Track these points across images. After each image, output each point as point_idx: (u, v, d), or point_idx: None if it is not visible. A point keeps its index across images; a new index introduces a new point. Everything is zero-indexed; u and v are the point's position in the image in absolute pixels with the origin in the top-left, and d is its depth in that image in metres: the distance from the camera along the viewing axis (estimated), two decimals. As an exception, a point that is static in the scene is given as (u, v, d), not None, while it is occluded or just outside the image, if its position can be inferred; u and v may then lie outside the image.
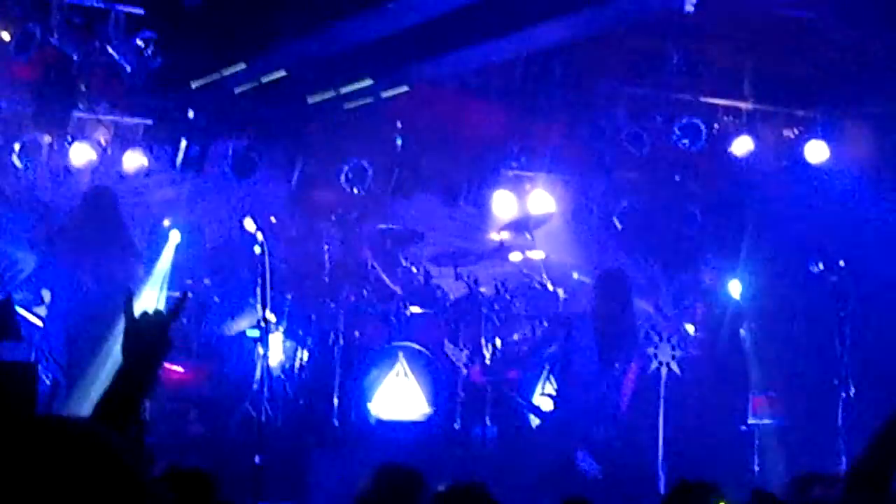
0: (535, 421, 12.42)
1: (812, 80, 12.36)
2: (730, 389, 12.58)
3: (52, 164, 11.99)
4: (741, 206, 13.75)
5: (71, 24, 10.77)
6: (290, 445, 11.29)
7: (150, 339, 3.48)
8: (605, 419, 12.11)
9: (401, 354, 11.99)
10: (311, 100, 12.37)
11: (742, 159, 13.13)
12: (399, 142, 13.17)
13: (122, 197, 12.30)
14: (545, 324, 12.77)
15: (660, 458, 11.27)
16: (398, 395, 11.95)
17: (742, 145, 13.04)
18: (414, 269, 12.93)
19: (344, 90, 12.14)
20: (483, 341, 12.35)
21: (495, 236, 13.43)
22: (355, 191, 13.26)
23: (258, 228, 10.60)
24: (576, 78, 12.72)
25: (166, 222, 12.60)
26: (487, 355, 12.33)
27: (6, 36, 10.78)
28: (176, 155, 12.54)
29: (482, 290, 12.60)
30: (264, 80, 11.76)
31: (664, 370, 11.59)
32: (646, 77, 12.65)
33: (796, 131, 13.19)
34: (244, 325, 11.99)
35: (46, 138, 11.84)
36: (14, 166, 11.79)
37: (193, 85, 11.91)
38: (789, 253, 12.97)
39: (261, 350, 10.92)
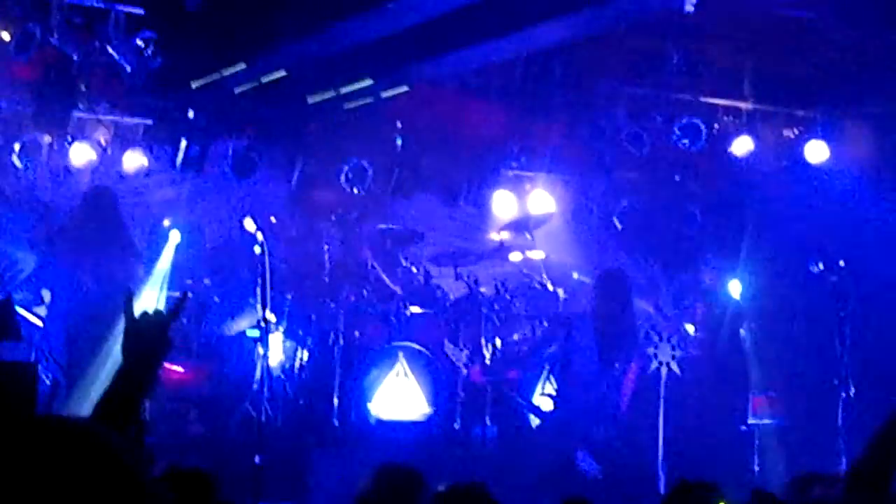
0: (535, 421, 12.41)
1: (812, 80, 12.36)
2: (730, 389, 12.58)
3: (52, 164, 11.98)
4: (741, 207, 13.75)
5: (71, 24, 10.77)
6: (290, 445, 11.28)
7: (150, 339, 3.48)
8: (605, 419, 12.10)
9: (401, 354, 11.99)
10: (310, 100, 12.36)
11: (742, 159, 13.13)
12: (399, 142, 13.17)
13: (123, 197, 12.29)
14: (545, 324, 12.77)
15: (660, 458, 11.27)
16: (398, 395, 11.95)
17: (742, 145, 13.04)
18: (414, 269, 12.93)
19: (344, 90, 12.13)
20: (483, 341, 12.35)
21: (495, 236, 13.42)
22: (355, 191, 13.26)
23: (258, 228, 10.59)
24: (576, 78, 12.72)
25: (166, 222, 12.59)
26: (487, 355, 12.33)
27: (6, 36, 10.78)
28: (176, 155, 12.53)
29: (482, 290, 12.60)
30: (264, 80, 11.76)
31: (664, 370, 11.59)
32: (646, 77, 12.64)
33: (796, 131, 13.19)
34: (244, 324, 11.98)
35: (46, 138, 11.83)
36: (14, 166, 11.78)
37: (193, 85, 11.90)
38: (789, 253, 12.97)
39: (261, 350, 10.91)
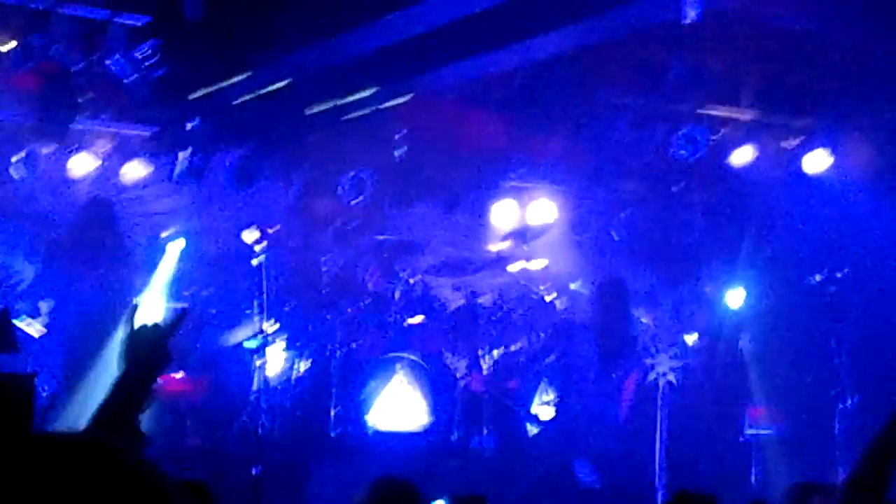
0: (533, 431, 12.41)
1: (813, 90, 12.35)
2: (729, 400, 12.57)
3: (52, 174, 11.99)
4: (741, 217, 13.74)
5: (72, 34, 10.78)
6: (288, 457, 11.27)
7: (149, 352, 3.48)
8: (603, 429, 12.10)
9: (399, 365, 11.98)
10: (311, 110, 12.37)
11: (742, 169, 13.12)
12: (398, 152, 13.17)
13: (123, 207, 12.30)
14: (543, 334, 12.76)
15: (658, 467, 11.27)
16: (396, 406, 11.94)
17: (742, 155, 13.03)
18: (412, 280, 12.93)
19: (344, 101, 12.14)
20: (481, 352, 12.35)
21: (494, 247, 13.42)
22: (354, 201, 13.26)
23: (257, 239, 10.59)
24: (576, 88, 12.70)
25: (166, 233, 12.59)
26: (486, 365, 12.33)
27: (7, 46, 10.79)
28: (176, 165, 12.53)
29: (480, 300, 12.61)
30: (265, 90, 11.77)
31: (663, 380, 11.59)
32: (646, 87, 12.64)
33: (797, 141, 13.19)
34: (242, 335, 11.97)
35: (47, 149, 11.84)
36: (13, 177, 11.78)
37: (194, 95, 11.91)
38: (789, 263, 12.96)
39: (259, 361, 10.91)
